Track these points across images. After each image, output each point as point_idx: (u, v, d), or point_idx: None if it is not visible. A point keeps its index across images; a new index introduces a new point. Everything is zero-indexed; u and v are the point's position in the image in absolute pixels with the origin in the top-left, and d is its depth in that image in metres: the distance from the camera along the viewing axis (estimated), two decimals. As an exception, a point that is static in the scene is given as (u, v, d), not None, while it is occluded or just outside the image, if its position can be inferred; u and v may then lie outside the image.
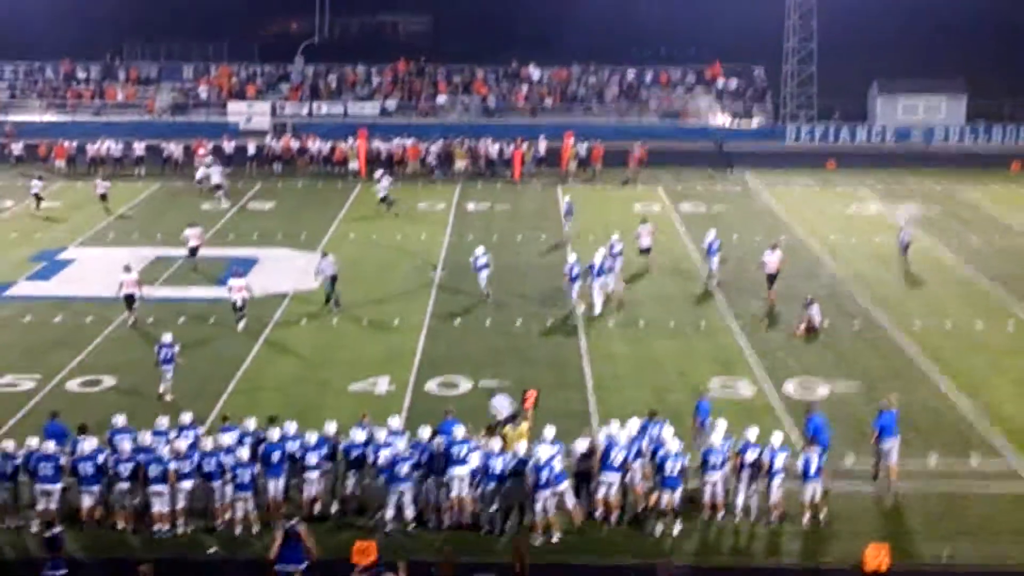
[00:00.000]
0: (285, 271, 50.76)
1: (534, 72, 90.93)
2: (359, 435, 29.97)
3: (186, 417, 31.52)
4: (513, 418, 31.51)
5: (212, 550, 28.35)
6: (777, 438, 29.78)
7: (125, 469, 29.08)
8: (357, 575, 25.98)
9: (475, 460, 29.27)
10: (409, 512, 29.23)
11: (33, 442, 29.45)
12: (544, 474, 28.51)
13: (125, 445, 29.47)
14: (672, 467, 29.03)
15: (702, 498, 29.69)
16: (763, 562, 28.19)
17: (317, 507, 29.76)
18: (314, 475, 29.74)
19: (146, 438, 29.86)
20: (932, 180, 71.77)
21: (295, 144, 75.09)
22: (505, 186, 69.85)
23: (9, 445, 29.57)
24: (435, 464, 29.36)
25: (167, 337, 37.81)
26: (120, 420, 31.06)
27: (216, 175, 66.21)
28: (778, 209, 64.01)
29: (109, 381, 38.80)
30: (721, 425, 30.22)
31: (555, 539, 28.64)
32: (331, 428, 30.41)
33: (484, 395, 36.77)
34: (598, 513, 29.57)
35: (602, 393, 37.84)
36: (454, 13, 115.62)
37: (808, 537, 29.06)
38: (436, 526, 29.25)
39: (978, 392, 38.15)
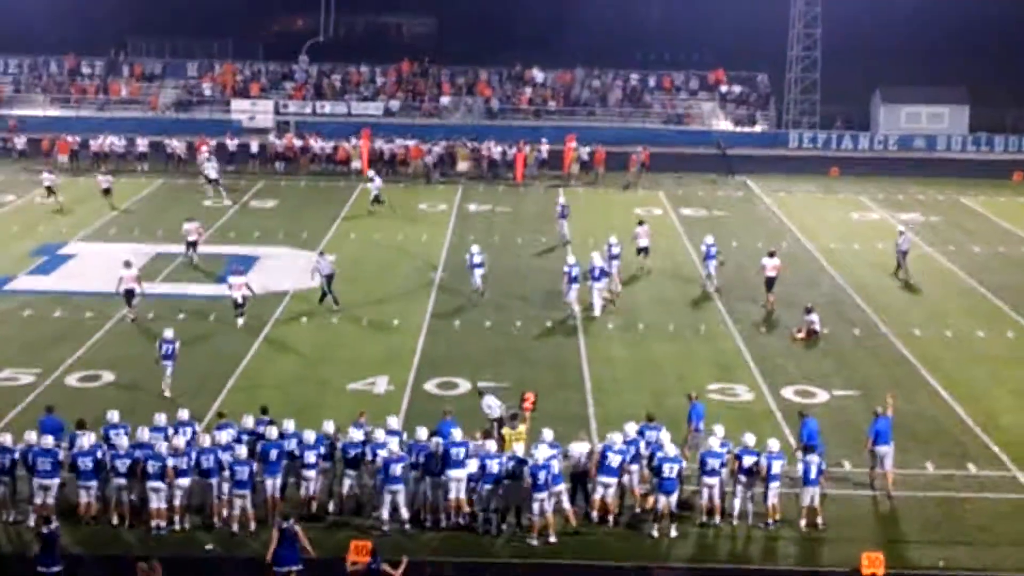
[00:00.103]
0: (286, 270, 50.74)
1: (538, 75, 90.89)
2: (357, 434, 29.99)
3: (183, 413, 31.57)
4: (513, 418, 31.51)
5: (209, 547, 28.36)
6: (774, 443, 29.82)
7: (122, 465, 29.10)
8: (351, 570, 25.99)
9: (473, 465, 29.26)
10: (404, 512, 29.24)
11: (31, 437, 29.46)
12: (542, 476, 28.51)
13: (123, 441, 29.51)
14: (669, 471, 29.06)
15: (699, 502, 29.71)
16: (759, 566, 28.18)
17: (314, 506, 29.78)
18: (312, 474, 29.74)
19: (144, 434, 29.90)
20: (934, 189, 71.84)
21: (298, 143, 75.12)
22: (507, 188, 69.86)
23: (7, 439, 29.57)
24: (432, 465, 29.37)
25: (169, 333, 37.82)
26: (114, 416, 31.10)
27: (212, 171, 66.31)
28: (780, 215, 64.06)
29: (108, 376, 38.81)
30: (719, 430, 30.25)
31: (552, 540, 28.66)
32: (329, 427, 30.42)
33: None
34: (594, 515, 29.59)
35: (601, 396, 37.85)
36: (458, 14, 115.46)
37: (804, 542, 29.07)
38: (433, 526, 29.26)
39: (977, 401, 38.15)
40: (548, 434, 29.69)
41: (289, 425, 30.29)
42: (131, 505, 29.35)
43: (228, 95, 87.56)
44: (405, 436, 30.48)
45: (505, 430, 30.83)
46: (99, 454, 29.19)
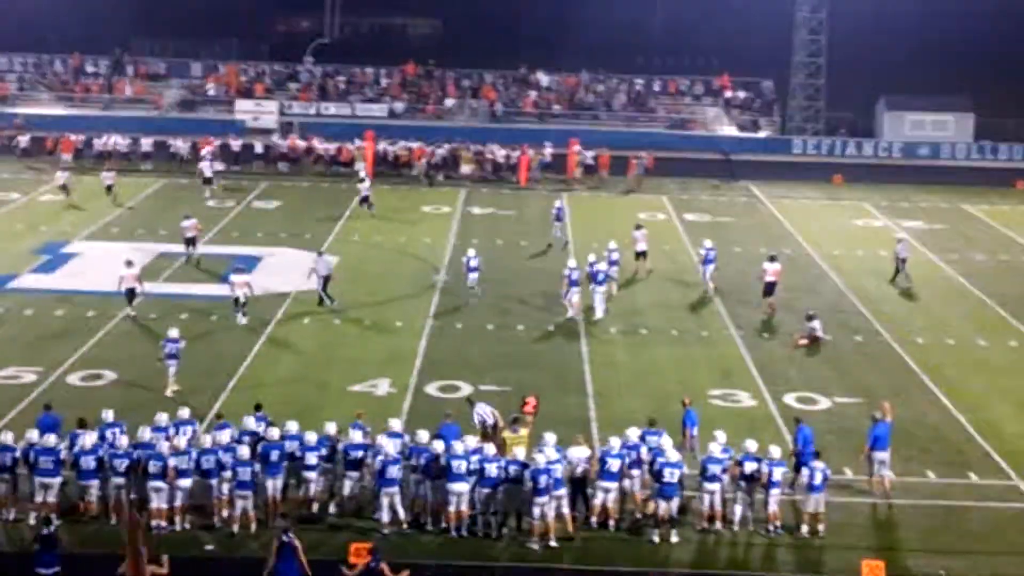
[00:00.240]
0: (288, 271, 50.67)
1: (543, 78, 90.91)
2: (357, 436, 29.99)
3: (184, 412, 31.61)
4: (515, 421, 31.51)
5: (209, 548, 28.36)
6: (776, 450, 29.81)
7: (120, 464, 29.12)
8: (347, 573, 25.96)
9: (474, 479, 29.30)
10: (401, 513, 29.24)
11: (33, 435, 29.49)
12: (543, 480, 28.51)
13: (122, 440, 29.53)
14: (670, 476, 29.06)
15: (701, 508, 29.70)
16: (760, 573, 28.18)
17: (315, 507, 29.79)
18: (312, 475, 29.76)
19: (146, 434, 29.91)
20: (938, 196, 71.78)
21: (301, 144, 75.15)
22: (510, 191, 69.85)
23: (8, 437, 29.59)
24: (433, 468, 29.35)
25: (173, 332, 37.87)
26: (109, 415, 31.12)
27: (207, 170, 66.40)
28: (783, 221, 64.03)
29: (110, 375, 38.83)
30: (721, 436, 30.24)
31: (553, 544, 28.65)
32: (331, 428, 30.42)
33: (485, 399, 36.80)
34: (594, 520, 29.59)
35: (602, 400, 37.84)
36: (463, 17, 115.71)
37: (805, 549, 29.07)
38: (434, 525, 29.26)
39: (979, 409, 38.13)
40: (552, 438, 29.70)
41: (291, 426, 30.29)
42: (130, 504, 29.36)
43: (232, 95, 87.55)
44: (407, 439, 30.47)
45: (506, 434, 30.84)
46: (101, 453, 29.22)
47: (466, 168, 72.75)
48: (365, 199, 62.45)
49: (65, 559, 26.35)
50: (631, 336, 44.47)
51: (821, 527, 29.43)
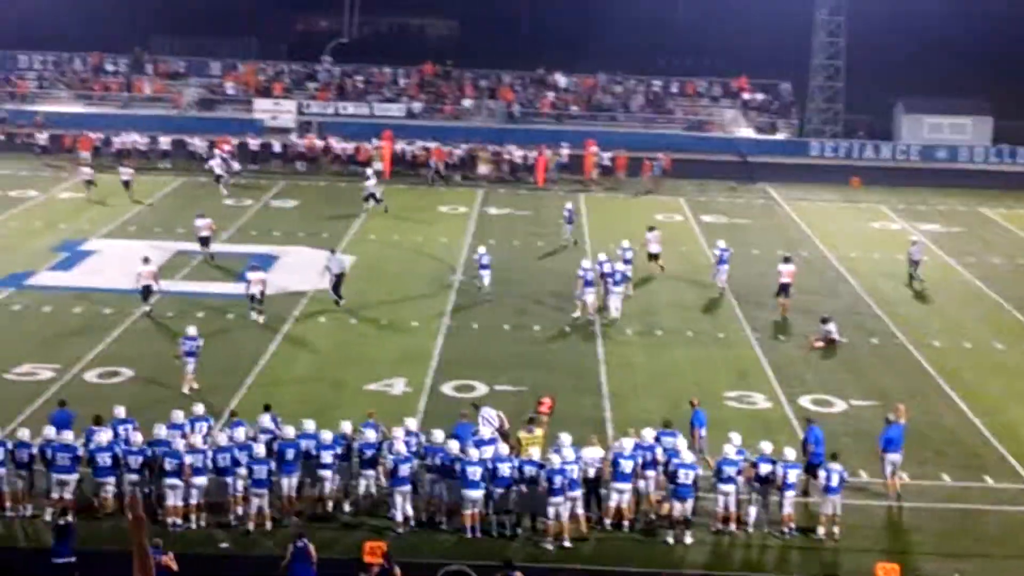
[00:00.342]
0: (305, 269, 50.68)
1: (560, 79, 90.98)
2: (372, 434, 30.05)
3: (199, 408, 31.75)
4: (531, 422, 31.53)
5: (224, 545, 28.44)
6: (791, 452, 29.82)
7: (135, 461, 29.22)
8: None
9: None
10: (409, 511, 29.28)
11: (50, 432, 29.60)
12: (558, 480, 28.54)
13: (137, 437, 29.65)
14: (685, 477, 29.07)
15: (715, 509, 29.70)
16: (773, 575, 28.18)
17: (330, 505, 29.86)
18: (327, 473, 29.82)
19: (162, 431, 30.00)
20: (955, 200, 71.61)
21: (319, 143, 75.25)
22: (527, 192, 69.85)
23: (24, 433, 29.73)
24: (448, 468, 29.39)
25: (191, 330, 37.98)
26: (121, 411, 31.25)
27: (217, 167, 66.66)
28: (800, 223, 63.93)
29: (127, 373, 38.94)
30: (735, 437, 30.24)
31: (567, 545, 28.68)
32: (347, 427, 30.48)
33: (501, 398, 36.88)
34: (608, 522, 29.60)
35: (618, 401, 37.86)
36: (481, 17, 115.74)
37: (819, 551, 29.07)
38: (449, 527, 29.31)
39: (995, 413, 38.08)
40: (568, 439, 29.74)
41: (308, 425, 30.34)
42: (146, 501, 29.48)
43: (251, 94, 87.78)
44: (423, 438, 30.52)
45: (521, 433, 30.87)
46: (116, 450, 29.33)
47: (483, 168, 72.73)
48: (371, 195, 62.53)
49: (80, 555, 26.43)
50: (647, 337, 44.48)
51: (836, 530, 29.41)
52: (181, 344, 37.61)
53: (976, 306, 50.31)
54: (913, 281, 51.97)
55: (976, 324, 47.64)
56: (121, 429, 30.39)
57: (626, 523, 29.63)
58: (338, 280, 46.44)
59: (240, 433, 29.93)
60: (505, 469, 29.18)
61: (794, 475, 29.35)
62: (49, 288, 48.09)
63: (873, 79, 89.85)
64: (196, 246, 52.61)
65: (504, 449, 29.65)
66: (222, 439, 29.81)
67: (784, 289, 47.14)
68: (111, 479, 29.25)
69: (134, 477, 29.32)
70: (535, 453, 29.71)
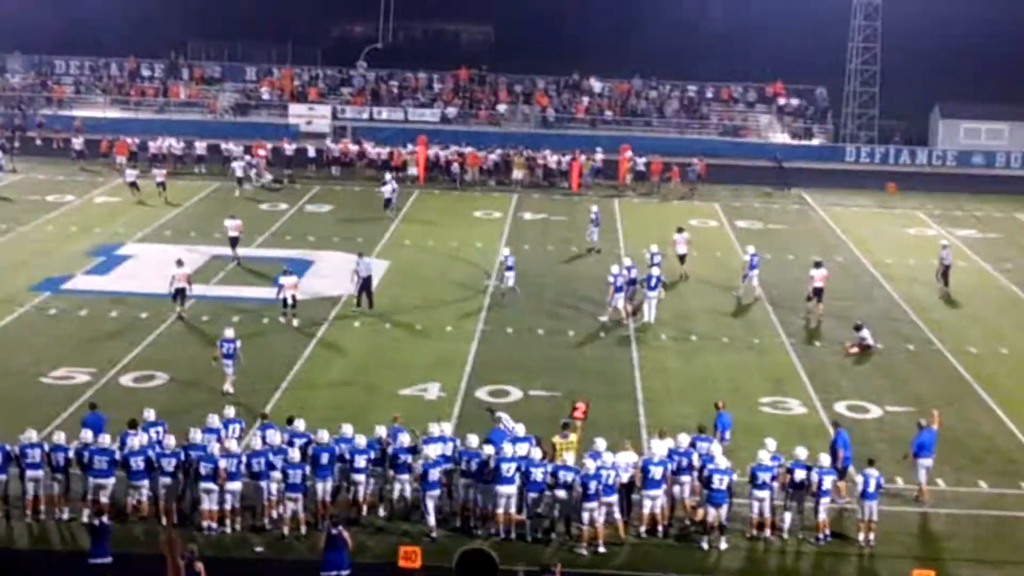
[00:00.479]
0: (339, 274, 50.69)
1: (595, 84, 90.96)
2: (406, 439, 30.08)
3: (229, 411, 31.88)
4: (565, 427, 31.50)
5: (259, 550, 28.50)
6: (826, 458, 29.72)
7: (168, 464, 29.32)
8: None
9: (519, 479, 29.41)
10: (432, 520, 29.25)
11: (87, 435, 29.73)
12: (593, 485, 28.52)
13: (169, 440, 29.76)
14: (719, 482, 29.00)
15: (750, 515, 29.62)
16: (809, 582, 28.14)
17: (364, 510, 29.89)
18: (361, 478, 29.85)
19: (196, 435, 30.10)
20: (992, 205, 71.26)
21: (353, 148, 75.36)
22: (562, 197, 69.80)
23: (60, 437, 29.85)
24: (483, 473, 29.41)
25: (229, 332, 38.14)
26: (151, 414, 31.45)
27: (239, 169, 67.18)
28: (835, 229, 63.71)
29: (162, 376, 39.07)
30: (770, 443, 30.18)
31: (601, 550, 28.65)
32: (382, 431, 30.52)
33: (535, 404, 36.92)
34: (643, 529, 29.54)
35: (652, 406, 37.79)
36: (516, 23, 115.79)
37: (855, 558, 28.97)
38: (483, 531, 29.32)
39: (1032, 419, 37.89)
40: (601, 444, 29.73)
41: (347, 429, 30.40)
42: (179, 504, 29.60)
43: (286, 99, 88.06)
44: (458, 443, 30.54)
45: (556, 438, 30.84)
46: (150, 453, 29.43)
47: (518, 173, 72.70)
48: (388, 202, 62.70)
49: (114, 557, 26.55)
50: (682, 342, 44.40)
51: (872, 536, 29.29)
52: (220, 346, 37.77)
53: (1013, 312, 50.05)
54: (943, 286, 51.60)
55: (1013, 330, 47.38)
56: (152, 432, 30.53)
57: (660, 528, 29.58)
58: (365, 284, 46.48)
59: (276, 437, 30.03)
60: (538, 474, 29.17)
61: (829, 481, 29.27)
62: (85, 292, 48.32)
63: (909, 84, 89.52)
64: (231, 251, 52.79)
65: (537, 454, 29.65)
66: (257, 443, 29.90)
67: (817, 294, 47.01)
68: (144, 482, 29.35)
69: (167, 480, 29.43)
70: (569, 458, 29.69)
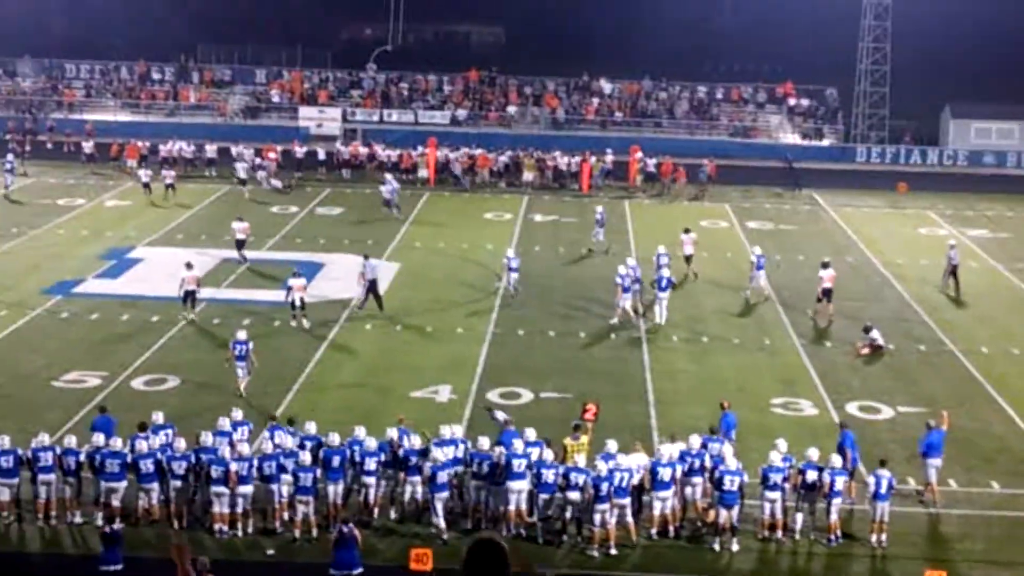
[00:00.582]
0: (350, 277, 50.68)
1: (605, 85, 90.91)
2: (417, 441, 30.11)
3: (237, 413, 31.94)
4: (576, 428, 31.49)
5: (270, 552, 28.52)
6: (837, 459, 29.69)
7: (179, 467, 29.35)
8: None
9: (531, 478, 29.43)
10: (441, 523, 29.25)
11: (99, 439, 29.78)
12: (604, 487, 28.51)
13: (180, 443, 29.80)
14: (730, 483, 28.97)
15: (761, 516, 29.59)
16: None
17: (375, 512, 29.89)
18: (371, 480, 29.86)
19: (208, 438, 30.13)
20: (1003, 205, 71.11)
21: (364, 150, 75.40)
22: (572, 198, 69.77)
23: (72, 440, 29.91)
24: (494, 475, 29.42)
25: (242, 334, 38.21)
26: (159, 417, 31.56)
27: (241, 171, 67.47)
28: (846, 229, 63.61)
29: (173, 380, 39.09)
30: (782, 444, 30.15)
31: (613, 552, 28.63)
32: (392, 433, 30.53)
33: (546, 406, 36.91)
34: (654, 531, 29.52)
35: (664, 408, 37.76)
36: (526, 24, 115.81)
37: (867, 558, 28.94)
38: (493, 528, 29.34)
39: (1044, 419, 37.82)
40: (613, 446, 29.74)
41: (360, 432, 30.42)
42: (190, 507, 29.65)
43: (296, 102, 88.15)
44: (469, 444, 30.55)
45: (567, 440, 30.83)
46: (159, 456, 29.47)
47: (528, 175, 72.69)
48: (387, 202, 62.81)
49: (126, 561, 26.60)
50: (693, 344, 44.37)
51: (884, 537, 29.25)
52: (232, 348, 37.83)
53: (1024, 312, 50.00)
54: (946, 282, 51.49)
55: (1024, 330, 47.34)
56: (161, 435, 30.59)
57: (671, 529, 29.57)
58: (372, 286, 46.49)
59: (288, 440, 30.06)
60: (550, 476, 29.17)
61: (841, 482, 29.23)
62: (96, 296, 48.39)
63: (919, 84, 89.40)
64: (244, 253, 52.90)
65: (550, 455, 29.65)
66: (268, 447, 29.93)
67: (827, 294, 46.96)
68: (155, 485, 29.39)
69: (178, 484, 29.46)
70: (580, 460, 29.69)
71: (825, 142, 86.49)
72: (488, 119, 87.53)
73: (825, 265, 47.86)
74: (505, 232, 60.52)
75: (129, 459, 29.37)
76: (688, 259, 52.31)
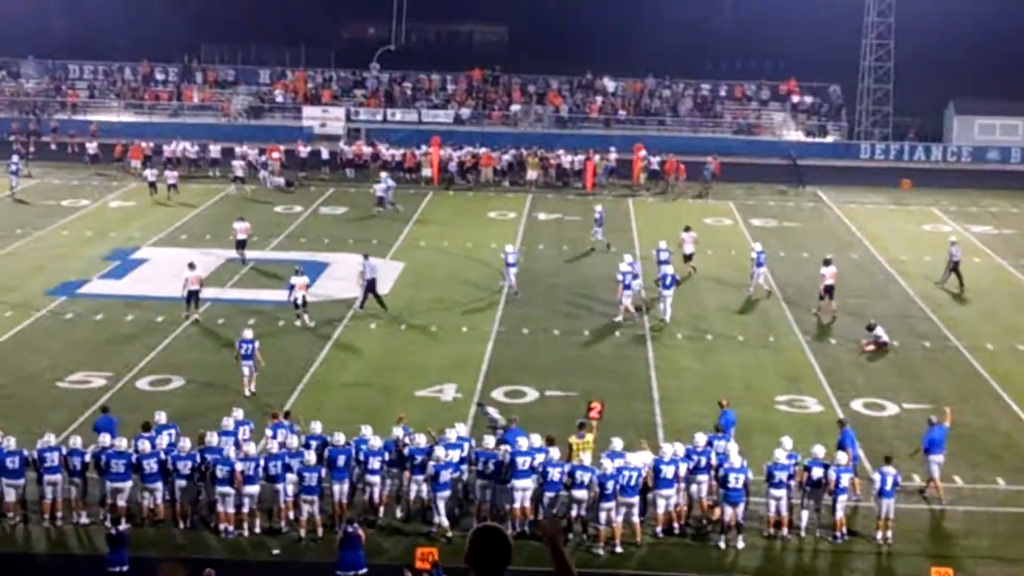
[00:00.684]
0: (354, 276, 50.65)
1: (609, 83, 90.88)
2: (422, 440, 30.14)
3: (238, 413, 31.98)
4: (581, 427, 31.51)
5: (276, 552, 28.53)
6: (843, 456, 29.67)
7: (184, 467, 29.37)
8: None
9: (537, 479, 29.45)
10: (444, 521, 29.27)
11: (105, 439, 29.81)
12: (610, 485, 28.51)
13: (184, 442, 29.82)
14: (735, 481, 28.97)
15: (767, 514, 29.58)
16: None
17: (382, 511, 29.90)
18: (375, 479, 29.88)
19: (213, 438, 30.14)
20: (1007, 201, 71.04)
21: (367, 149, 75.41)
22: (576, 197, 69.74)
23: (77, 441, 29.95)
24: (499, 473, 29.44)
25: (248, 333, 38.30)
26: (162, 416, 31.62)
27: (239, 169, 67.91)
28: (850, 226, 63.56)
29: (178, 380, 39.11)
30: (786, 442, 30.13)
31: (618, 550, 28.64)
32: (398, 432, 30.54)
33: (551, 404, 36.91)
34: (658, 529, 29.52)
35: (668, 405, 37.77)
36: (529, 23, 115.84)
37: (873, 555, 28.93)
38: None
39: (1050, 416, 37.78)
40: (619, 444, 29.75)
41: (366, 431, 30.44)
42: (194, 507, 29.68)
43: (300, 102, 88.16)
44: (474, 443, 30.57)
45: (572, 439, 30.85)
46: (162, 456, 29.50)
47: (532, 174, 72.66)
48: (380, 200, 62.91)
49: (132, 561, 26.63)
50: (697, 341, 44.35)
51: (889, 534, 29.24)
52: (239, 347, 37.89)
53: (1029, 308, 49.95)
54: (947, 278, 51.44)
55: (1029, 326, 47.29)
56: (165, 434, 30.61)
57: (676, 526, 29.59)
58: (371, 285, 46.49)
59: (292, 440, 30.06)
60: (556, 474, 29.17)
61: (846, 479, 29.22)
62: (101, 296, 48.41)
63: (923, 81, 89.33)
64: (248, 254, 52.89)
65: (556, 453, 29.65)
66: (274, 446, 29.96)
67: (828, 291, 46.94)
68: (158, 484, 29.41)
69: (183, 483, 29.48)
70: (586, 458, 29.69)
71: (829, 139, 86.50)
72: (492, 118, 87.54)
73: (827, 262, 47.83)
74: (509, 231, 60.47)
75: (133, 459, 29.40)
76: (689, 257, 52.22)
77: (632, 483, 28.84)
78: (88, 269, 52.06)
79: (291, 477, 29.31)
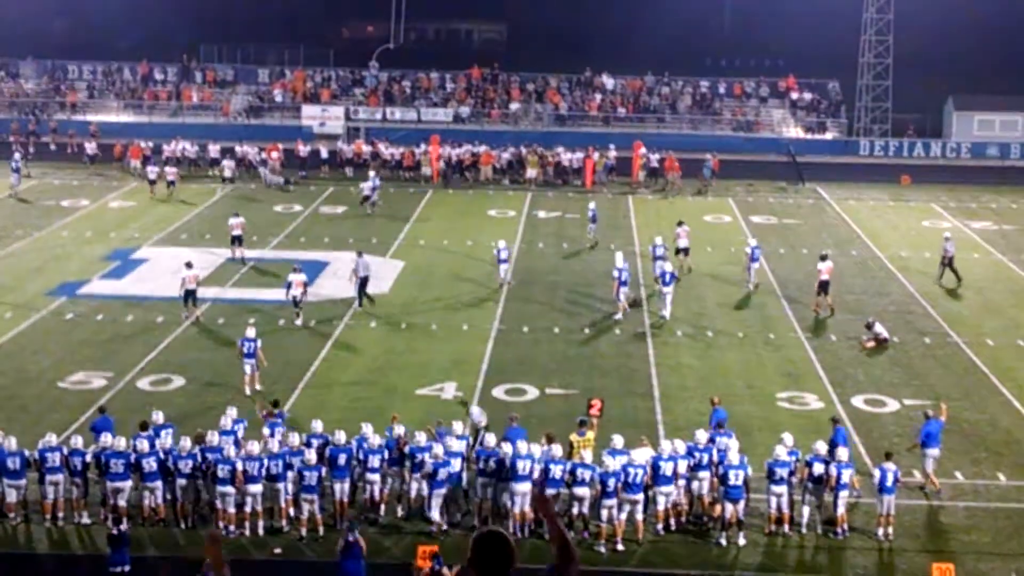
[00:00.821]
0: (348, 274, 50.73)
1: (607, 81, 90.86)
2: (423, 438, 30.15)
3: (232, 411, 32.01)
4: (582, 424, 31.53)
5: (277, 551, 28.54)
6: (844, 453, 29.68)
7: (185, 466, 29.38)
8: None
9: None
10: (437, 516, 29.28)
11: (105, 439, 29.83)
12: (611, 483, 28.52)
13: (185, 442, 29.83)
14: (735, 478, 28.98)
15: (768, 511, 29.59)
16: (828, 576, 28.10)
17: (383, 509, 29.91)
18: (375, 477, 29.89)
19: (214, 438, 30.15)
20: (1007, 197, 71.05)
21: (367, 148, 75.41)
22: (576, 194, 69.73)
23: (78, 441, 29.96)
24: (501, 471, 29.45)
25: (250, 332, 38.30)
26: (159, 416, 31.65)
27: (228, 170, 68.86)
28: (850, 223, 63.56)
29: (179, 380, 39.11)
30: (788, 438, 30.14)
31: (620, 548, 28.65)
32: (400, 431, 30.55)
33: (551, 402, 36.92)
34: (660, 526, 29.52)
35: (669, 402, 37.78)
36: (528, 21, 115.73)
37: (874, 552, 28.93)
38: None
39: (1050, 411, 37.79)
40: (619, 441, 29.76)
41: (367, 430, 30.45)
42: (195, 506, 29.69)
43: (299, 101, 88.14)
44: (471, 439, 30.59)
45: (573, 436, 30.89)
46: (161, 455, 29.51)
47: (531, 172, 72.66)
48: (366, 198, 63.02)
49: (134, 561, 26.64)
50: (697, 339, 44.35)
51: (890, 530, 29.25)
52: (241, 345, 37.93)
53: (1029, 304, 49.95)
54: (943, 275, 51.46)
55: (1029, 322, 47.29)
56: (163, 434, 30.64)
57: (674, 522, 29.60)
58: (364, 282, 46.52)
59: (294, 439, 30.06)
60: (557, 472, 29.18)
61: (847, 475, 29.23)
62: (101, 296, 48.40)
63: (922, 77, 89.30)
64: (249, 253, 52.94)
65: (558, 451, 29.66)
66: (275, 445, 29.97)
67: (823, 287, 46.94)
68: (158, 483, 29.42)
69: (183, 482, 29.50)
70: (587, 456, 29.70)
71: (828, 136, 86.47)
72: (491, 116, 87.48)
73: (823, 258, 47.88)
74: (509, 229, 60.48)
75: (132, 459, 29.42)
76: (683, 252, 52.13)
77: (638, 480, 28.85)
78: (88, 269, 52.06)
79: (291, 475, 29.33)
